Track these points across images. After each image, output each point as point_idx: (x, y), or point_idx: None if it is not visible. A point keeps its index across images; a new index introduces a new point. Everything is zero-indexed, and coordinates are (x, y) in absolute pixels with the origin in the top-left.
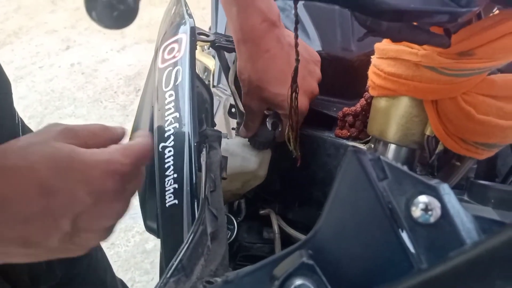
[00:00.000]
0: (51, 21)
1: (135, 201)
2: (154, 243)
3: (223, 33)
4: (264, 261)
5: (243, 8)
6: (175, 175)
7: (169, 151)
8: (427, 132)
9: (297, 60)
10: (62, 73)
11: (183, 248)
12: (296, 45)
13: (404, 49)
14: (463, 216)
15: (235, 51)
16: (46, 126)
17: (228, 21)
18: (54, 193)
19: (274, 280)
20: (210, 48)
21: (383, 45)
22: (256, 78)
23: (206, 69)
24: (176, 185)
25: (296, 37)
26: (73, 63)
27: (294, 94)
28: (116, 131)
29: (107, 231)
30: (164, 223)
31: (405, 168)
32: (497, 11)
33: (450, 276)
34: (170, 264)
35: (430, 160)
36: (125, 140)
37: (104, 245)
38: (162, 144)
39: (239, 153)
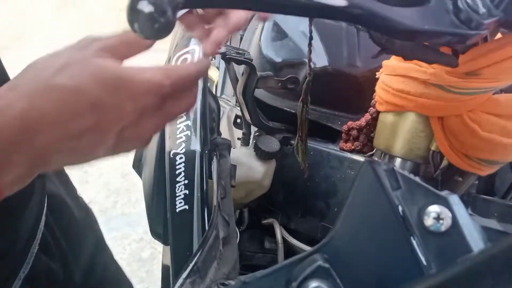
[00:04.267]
0: (55, 28)
1: (133, 209)
2: (150, 252)
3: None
4: (281, 264)
5: None
6: (186, 181)
7: (181, 158)
8: (433, 148)
9: (310, 74)
10: None
11: (198, 251)
12: (309, 60)
13: (413, 67)
14: (471, 226)
15: (244, 63)
16: (81, 41)
17: None
18: (103, 110)
19: (291, 282)
20: (213, 59)
21: (392, 63)
22: None
23: (209, 80)
24: (187, 191)
25: (310, 52)
26: None
27: (304, 106)
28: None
29: (146, 141)
30: (174, 228)
31: (417, 179)
32: (500, 35)
33: (466, 274)
34: (186, 265)
35: (435, 175)
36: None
37: None
38: (173, 151)
39: (245, 163)
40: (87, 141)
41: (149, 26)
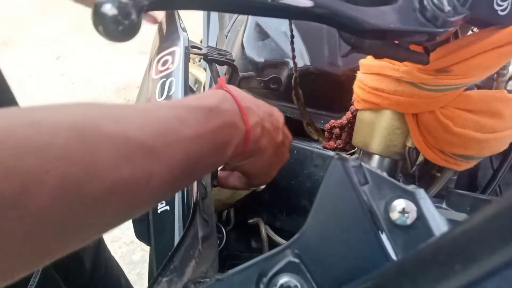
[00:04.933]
0: (42, 32)
1: None
2: (141, 254)
3: (214, 46)
4: (253, 260)
5: None
6: None
7: None
8: (408, 144)
9: (296, 71)
10: (52, 83)
11: (175, 250)
12: (294, 57)
13: (386, 65)
14: (437, 218)
15: (226, 64)
16: None
17: None
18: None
19: (262, 278)
20: (201, 60)
21: (367, 61)
22: None
23: (197, 81)
24: None
25: (293, 50)
26: (63, 74)
27: (300, 100)
28: None
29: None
30: (155, 229)
31: (384, 174)
32: (476, 30)
33: (416, 264)
34: (163, 264)
35: (411, 170)
36: None
37: None
38: None
39: None
40: (270, 118)
41: (114, 29)
